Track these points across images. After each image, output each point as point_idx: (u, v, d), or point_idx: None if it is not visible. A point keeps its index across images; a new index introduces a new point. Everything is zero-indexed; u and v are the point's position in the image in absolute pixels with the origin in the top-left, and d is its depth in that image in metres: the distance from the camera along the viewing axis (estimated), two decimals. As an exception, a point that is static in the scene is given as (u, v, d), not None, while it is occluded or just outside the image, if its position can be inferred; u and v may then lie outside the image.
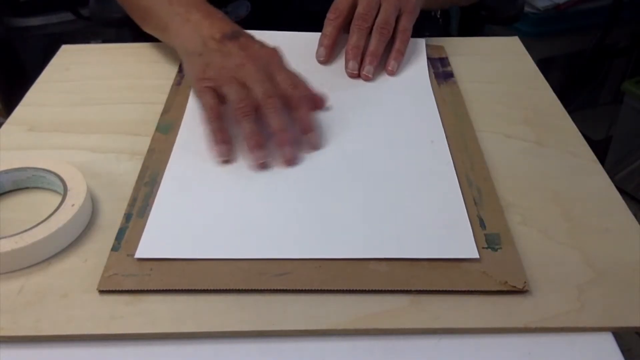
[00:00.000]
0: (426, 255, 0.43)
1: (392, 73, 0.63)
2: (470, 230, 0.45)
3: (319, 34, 0.67)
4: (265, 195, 0.49)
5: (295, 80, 0.55)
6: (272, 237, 0.45)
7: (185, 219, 0.46)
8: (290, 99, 0.53)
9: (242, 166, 0.52)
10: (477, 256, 0.43)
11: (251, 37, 0.58)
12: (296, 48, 0.67)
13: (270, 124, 0.51)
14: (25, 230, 0.43)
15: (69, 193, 0.47)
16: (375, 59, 0.62)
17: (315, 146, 0.54)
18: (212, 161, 0.53)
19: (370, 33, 0.63)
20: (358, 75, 0.62)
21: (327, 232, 0.45)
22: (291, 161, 0.51)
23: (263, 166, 0.51)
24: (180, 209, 0.48)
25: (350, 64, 0.62)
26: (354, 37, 0.62)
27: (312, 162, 0.53)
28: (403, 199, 0.49)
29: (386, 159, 0.53)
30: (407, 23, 0.63)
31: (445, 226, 0.46)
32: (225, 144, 0.52)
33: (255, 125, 0.51)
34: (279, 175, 0.51)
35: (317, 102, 0.58)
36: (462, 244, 0.44)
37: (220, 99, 0.53)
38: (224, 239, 0.45)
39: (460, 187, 0.50)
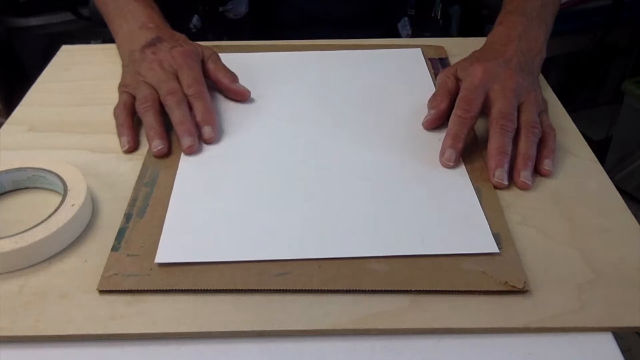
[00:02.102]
0: (446, 252, 0.43)
1: (549, 173, 0.51)
2: (487, 225, 0.46)
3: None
4: (272, 197, 0.49)
5: (194, 79, 0.58)
6: (280, 238, 0.45)
7: (194, 223, 0.46)
8: (187, 95, 0.57)
9: (243, 170, 0.52)
10: (497, 250, 0.43)
11: (170, 41, 0.62)
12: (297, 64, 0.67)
13: (171, 117, 0.56)
14: (25, 230, 0.43)
15: (69, 193, 0.47)
16: (531, 163, 0.51)
17: (207, 140, 0.56)
18: (215, 166, 0.53)
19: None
20: (506, 186, 0.50)
21: (342, 231, 0.45)
22: (189, 149, 0.54)
23: (160, 153, 0.54)
24: (189, 213, 0.47)
25: (497, 172, 0.50)
26: (498, 140, 0.51)
27: (317, 163, 0.53)
28: (415, 196, 0.49)
29: (393, 157, 0.53)
30: (549, 120, 0.55)
31: (462, 222, 0.46)
32: (124, 136, 0.56)
33: (153, 118, 0.56)
34: (287, 178, 0.51)
35: (237, 94, 0.62)
36: (481, 239, 0.44)
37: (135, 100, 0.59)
38: (232, 242, 0.45)
39: None
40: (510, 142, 0.52)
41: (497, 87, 0.54)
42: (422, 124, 0.57)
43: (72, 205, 0.46)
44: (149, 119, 0.56)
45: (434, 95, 0.58)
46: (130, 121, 0.57)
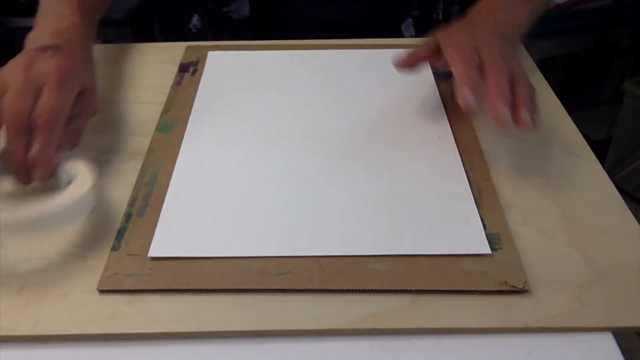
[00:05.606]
0: (438, 252, 0.43)
1: (528, 123, 0.49)
2: (482, 226, 0.46)
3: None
4: (270, 194, 0.49)
5: (53, 106, 0.46)
6: (278, 235, 0.45)
7: (191, 219, 0.47)
8: (32, 119, 0.46)
9: (242, 167, 0.52)
10: (490, 252, 0.43)
11: (66, 53, 0.51)
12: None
13: (6, 142, 0.46)
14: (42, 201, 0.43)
15: (75, 181, 0.46)
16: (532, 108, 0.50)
17: (42, 179, 0.46)
18: (214, 163, 0.53)
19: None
20: (511, 125, 0.48)
21: (340, 229, 0.45)
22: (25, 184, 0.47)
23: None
24: (186, 208, 0.48)
25: (504, 110, 0.48)
26: (494, 81, 0.50)
27: (316, 161, 0.53)
28: (411, 194, 0.49)
29: (392, 155, 0.53)
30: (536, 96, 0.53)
31: (456, 222, 0.46)
32: None
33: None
34: (286, 176, 0.51)
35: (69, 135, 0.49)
36: (474, 240, 0.44)
37: None
38: (229, 238, 0.45)
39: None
40: (508, 85, 0.50)
41: (483, 46, 0.53)
42: (394, 62, 0.56)
43: (82, 186, 0.45)
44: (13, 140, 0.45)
45: (414, 49, 0.57)
46: None
